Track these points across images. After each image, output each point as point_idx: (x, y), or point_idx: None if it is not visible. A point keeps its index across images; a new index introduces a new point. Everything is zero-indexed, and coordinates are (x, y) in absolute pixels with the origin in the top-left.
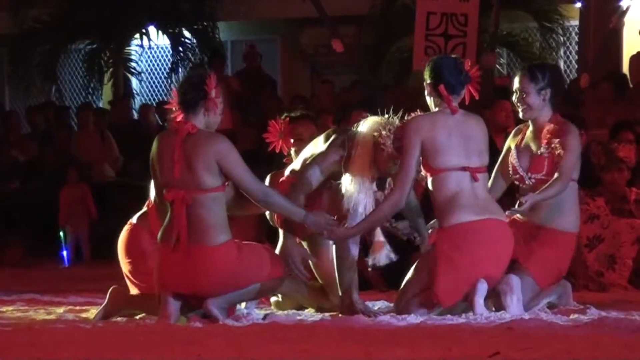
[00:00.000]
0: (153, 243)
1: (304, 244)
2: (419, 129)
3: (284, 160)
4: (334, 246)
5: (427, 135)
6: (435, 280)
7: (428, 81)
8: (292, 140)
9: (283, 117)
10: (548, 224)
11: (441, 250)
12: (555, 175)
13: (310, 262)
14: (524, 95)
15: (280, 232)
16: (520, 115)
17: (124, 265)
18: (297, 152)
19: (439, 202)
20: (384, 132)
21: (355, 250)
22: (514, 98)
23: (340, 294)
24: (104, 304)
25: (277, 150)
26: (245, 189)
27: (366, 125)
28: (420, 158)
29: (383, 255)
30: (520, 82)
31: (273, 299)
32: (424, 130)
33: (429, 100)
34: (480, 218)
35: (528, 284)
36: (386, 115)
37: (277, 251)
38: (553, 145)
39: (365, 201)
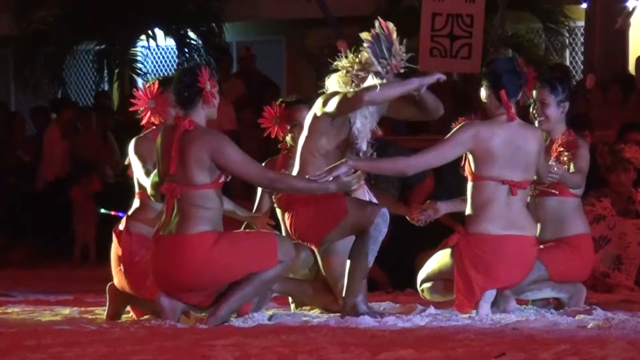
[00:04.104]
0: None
1: (316, 252)
2: (476, 137)
3: (279, 146)
4: (349, 248)
5: (481, 145)
6: (455, 289)
7: (487, 85)
8: (287, 126)
9: (278, 102)
10: (560, 235)
11: (461, 258)
12: (572, 171)
13: (321, 265)
14: (544, 106)
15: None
16: (537, 126)
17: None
18: (293, 138)
19: (472, 206)
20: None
21: (372, 257)
22: (532, 109)
23: (344, 293)
24: (107, 305)
25: (273, 136)
26: (249, 179)
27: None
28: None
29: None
30: (540, 93)
31: None
32: (479, 140)
33: (486, 103)
34: (504, 233)
35: (536, 266)
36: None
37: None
38: (562, 158)
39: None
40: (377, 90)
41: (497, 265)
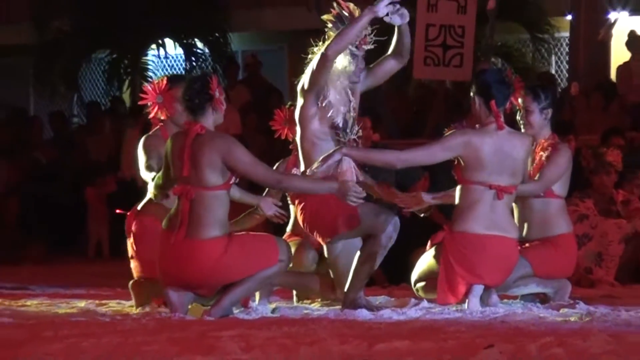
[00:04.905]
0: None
1: (325, 248)
2: (467, 145)
3: (290, 147)
4: (355, 244)
5: (472, 153)
6: (438, 281)
7: (477, 95)
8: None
9: (288, 105)
10: (545, 234)
11: (446, 253)
12: (536, 177)
13: (326, 255)
14: (527, 113)
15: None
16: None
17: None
18: None
19: (459, 206)
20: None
21: (379, 261)
22: (518, 116)
23: (346, 289)
24: (133, 300)
25: (283, 137)
26: (258, 179)
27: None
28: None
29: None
30: (524, 100)
31: None
32: (470, 148)
33: (476, 111)
34: (487, 233)
35: (521, 264)
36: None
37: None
38: (540, 159)
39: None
40: (336, 39)
41: (479, 263)
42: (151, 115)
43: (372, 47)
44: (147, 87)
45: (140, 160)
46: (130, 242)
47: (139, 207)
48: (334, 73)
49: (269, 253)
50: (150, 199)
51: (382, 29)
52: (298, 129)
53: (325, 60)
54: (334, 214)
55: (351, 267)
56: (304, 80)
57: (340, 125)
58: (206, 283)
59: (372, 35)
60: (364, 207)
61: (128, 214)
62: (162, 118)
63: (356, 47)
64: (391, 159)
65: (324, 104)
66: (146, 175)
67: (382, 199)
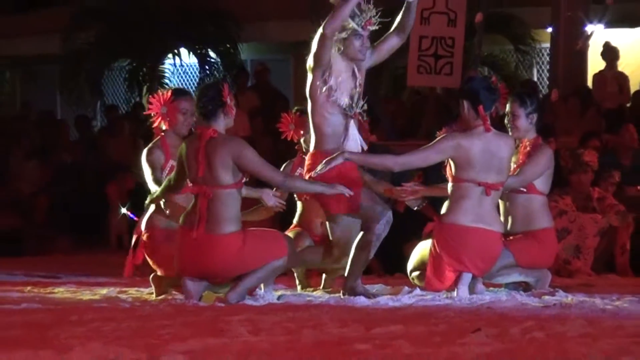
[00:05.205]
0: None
1: (328, 229)
2: (457, 147)
3: (296, 147)
4: (359, 227)
5: (462, 155)
6: (427, 268)
7: (466, 100)
8: (301, 131)
9: (294, 110)
10: (528, 228)
11: (434, 242)
12: (516, 172)
13: (328, 228)
14: (514, 118)
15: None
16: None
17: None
18: (306, 142)
19: (449, 201)
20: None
21: (374, 250)
22: (505, 120)
23: (345, 275)
24: (154, 291)
25: (289, 139)
26: (265, 179)
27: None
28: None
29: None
30: (511, 106)
31: None
32: (460, 149)
33: (465, 115)
34: (473, 225)
35: (504, 254)
36: None
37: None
38: (523, 158)
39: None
40: (330, 17)
41: (463, 252)
42: (155, 125)
43: (377, 27)
44: (152, 98)
45: (146, 173)
46: (129, 259)
47: (142, 227)
48: (335, 58)
49: (278, 246)
50: (151, 215)
51: (386, 10)
52: (309, 103)
53: (324, 39)
54: (339, 194)
55: (351, 243)
56: (309, 59)
57: (346, 103)
58: (224, 274)
59: (377, 17)
60: (364, 197)
61: (133, 239)
62: (165, 128)
63: (362, 27)
64: (389, 163)
65: (324, 90)
66: (155, 188)
67: (380, 194)
